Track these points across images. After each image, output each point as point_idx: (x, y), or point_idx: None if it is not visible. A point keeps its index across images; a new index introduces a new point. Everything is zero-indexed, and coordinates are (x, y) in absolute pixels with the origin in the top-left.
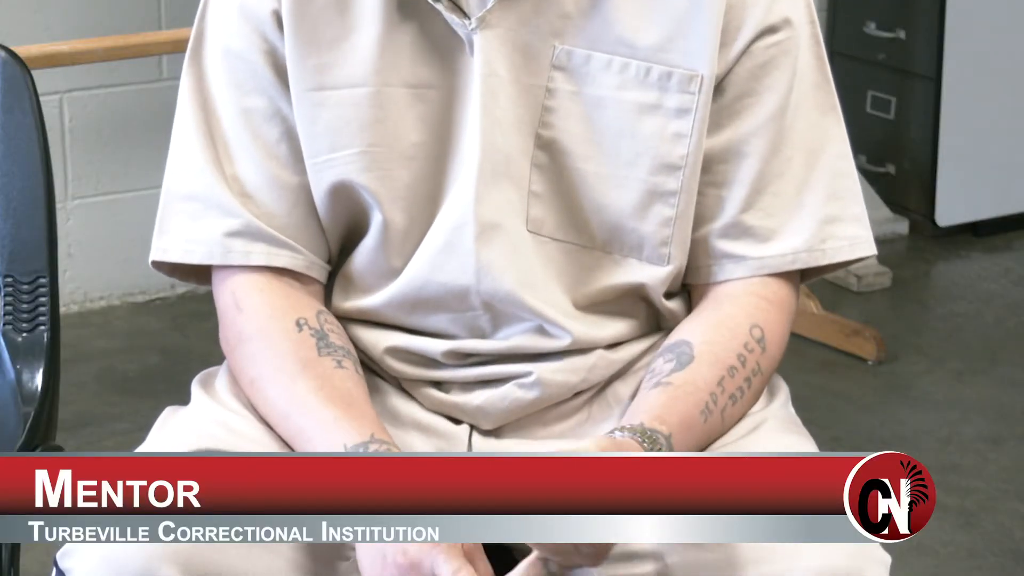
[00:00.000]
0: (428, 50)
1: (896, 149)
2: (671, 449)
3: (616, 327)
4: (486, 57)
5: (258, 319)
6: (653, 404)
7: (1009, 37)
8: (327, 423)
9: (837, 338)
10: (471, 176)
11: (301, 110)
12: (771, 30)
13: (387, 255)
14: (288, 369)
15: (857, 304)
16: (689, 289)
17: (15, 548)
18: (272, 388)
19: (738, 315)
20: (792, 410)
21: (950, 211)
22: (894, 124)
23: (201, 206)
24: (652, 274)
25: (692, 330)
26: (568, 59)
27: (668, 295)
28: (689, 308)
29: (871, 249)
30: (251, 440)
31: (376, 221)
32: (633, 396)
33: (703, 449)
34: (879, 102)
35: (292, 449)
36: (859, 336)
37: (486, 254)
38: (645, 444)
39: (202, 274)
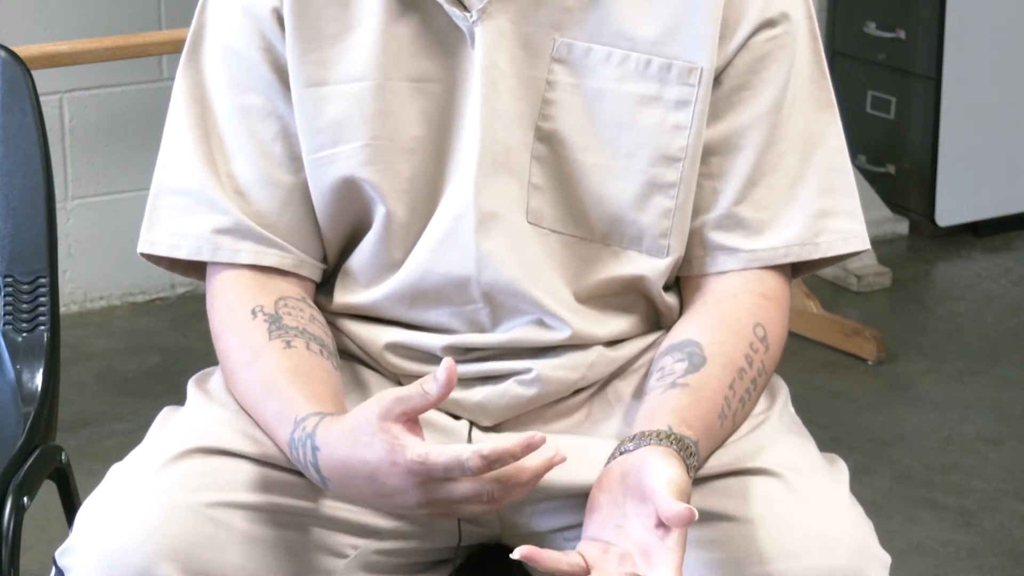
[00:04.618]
0: (429, 43)
1: (896, 149)
2: (699, 455)
3: (616, 323)
4: (487, 49)
5: (226, 314)
6: (676, 407)
7: (1009, 37)
8: (271, 416)
9: (837, 338)
10: (471, 167)
11: (302, 106)
12: (769, 24)
13: (389, 248)
14: (245, 360)
15: (857, 304)
16: (680, 281)
17: (15, 548)
18: (238, 383)
19: (740, 315)
20: (792, 410)
21: (950, 211)
22: (894, 124)
23: (192, 201)
24: (652, 266)
25: (698, 330)
26: (568, 52)
27: (665, 288)
28: (683, 301)
29: (864, 244)
30: (249, 437)
31: (379, 215)
32: (634, 395)
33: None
34: (879, 102)
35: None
36: (859, 336)
37: (486, 244)
38: (682, 453)
39: (199, 269)
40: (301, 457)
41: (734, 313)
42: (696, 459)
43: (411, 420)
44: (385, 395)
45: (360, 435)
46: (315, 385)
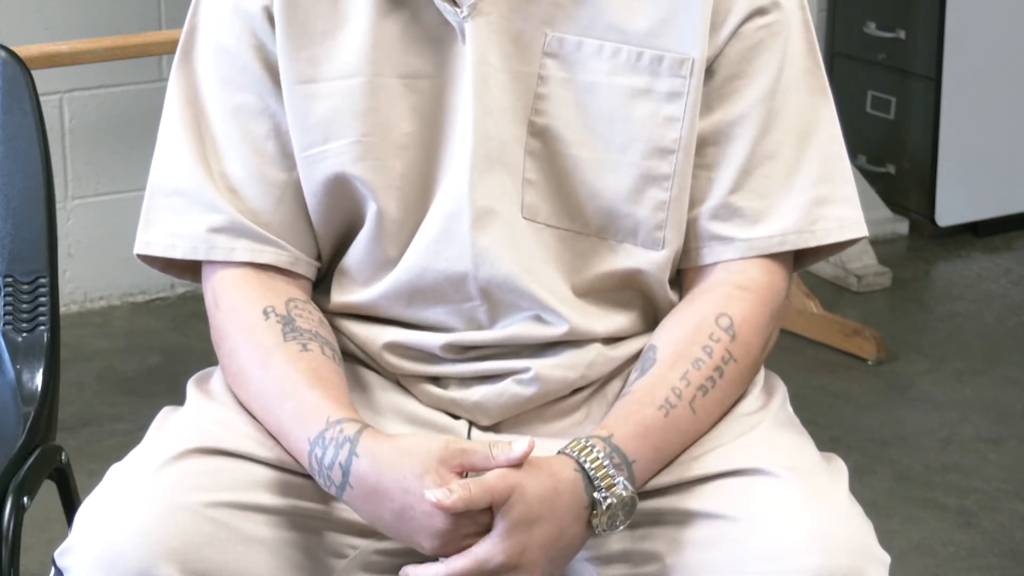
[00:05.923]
0: (420, 39)
1: (896, 149)
2: (613, 448)
3: (614, 319)
4: (478, 45)
5: (232, 313)
6: (605, 417)
7: (1009, 37)
8: (288, 417)
9: (837, 338)
10: (464, 163)
11: (293, 103)
12: (760, 12)
13: (382, 245)
14: (257, 361)
15: (857, 304)
16: (680, 275)
17: (15, 548)
18: (248, 383)
19: (704, 309)
20: (790, 410)
21: (950, 211)
22: (894, 124)
23: (186, 201)
24: (648, 259)
25: (661, 332)
26: (560, 46)
27: (671, 285)
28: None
29: (862, 231)
30: (248, 437)
31: (371, 212)
32: None
33: (681, 445)
34: (879, 102)
35: (279, 443)
36: (859, 336)
37: (482, 240)
38: (575, 453)
39: (195, 271)
40: (328, 457)
41: (698, 307)
42: (601, 449)
43: (463, 472)
44: (451, 441)
45: (413, 464)
46: (338, 391)
